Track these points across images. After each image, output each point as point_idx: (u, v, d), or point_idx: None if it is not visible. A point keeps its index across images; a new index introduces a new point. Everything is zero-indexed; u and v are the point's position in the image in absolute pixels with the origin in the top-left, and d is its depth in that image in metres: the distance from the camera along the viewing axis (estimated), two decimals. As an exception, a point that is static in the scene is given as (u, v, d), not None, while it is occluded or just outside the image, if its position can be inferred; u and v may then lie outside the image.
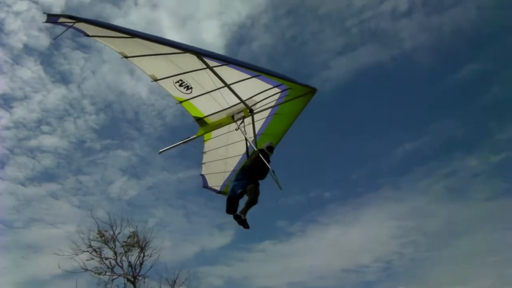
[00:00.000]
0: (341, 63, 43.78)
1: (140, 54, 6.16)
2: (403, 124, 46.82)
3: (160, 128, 42.39)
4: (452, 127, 44.16)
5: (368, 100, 45.22)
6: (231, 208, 7.67)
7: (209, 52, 6.10)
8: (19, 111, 36.35)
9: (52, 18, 5.06)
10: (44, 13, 5.01)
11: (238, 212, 7.36)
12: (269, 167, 7.24)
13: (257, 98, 7.85)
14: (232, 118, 8.00)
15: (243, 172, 7.87)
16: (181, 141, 8.17)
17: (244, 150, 8.88)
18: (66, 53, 37.85)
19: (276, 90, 7.75)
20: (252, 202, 7.39)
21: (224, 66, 6.59)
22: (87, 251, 18.21)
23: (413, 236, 40.13)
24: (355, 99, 45.32)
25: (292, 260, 38.49)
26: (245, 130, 8.00)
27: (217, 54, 6.28)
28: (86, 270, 17.77)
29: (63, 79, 39.31)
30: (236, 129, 8.08)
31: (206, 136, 8.74)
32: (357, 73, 43.47)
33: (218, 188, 10.52)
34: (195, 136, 8.13)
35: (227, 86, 7.08)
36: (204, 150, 9.39)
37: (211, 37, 39.52)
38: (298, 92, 7.71)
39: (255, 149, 7.87)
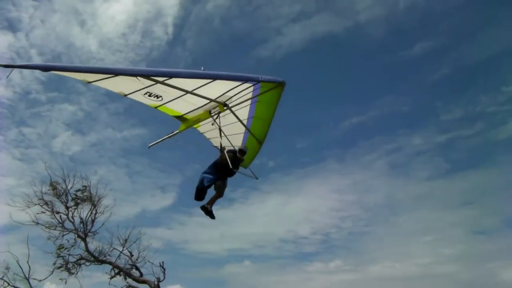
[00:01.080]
0: (295, 30, 41.97)
1: (98, 79, 6.59)
2: (351, 97, 45.04)
3: None
4: (399, 104, 42.70)
5: (319, 70, 43.55)
6: (198, 196, 8.51)
7: (144, 71, 6.32)
8: (-38, 58, 35.89)
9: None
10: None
11: (205, 203, 8.33)
12: (234, 170, 7.91)
13: (230, 93, 8.12)
14: (209, 113, 8.50)
15: (214, 167, 8.49)
16: (167, 136, 8.97)
17: (243, 129, 9.51)
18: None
19: (247, 84, 7.92)
20: (218, 196, 8.35)
21: (173, 78, 6.73)
22: (39, 204, 17.66)
23: (353, 210, 39.65)
24: (306, 67, 43.56)
25: (232, 226, 38.32)
26: (220, 125, 8.47)
27: (154, 71, 6.37)
28: (37, 223, 17.52)
29: (10, 26, 36.88)
30: (212, 124, 8.57)
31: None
32: (310, 42, 41.65)
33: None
34: (178, 131, 8.86)
35: (190, 93, 7.47)
36: (201, 132, 10.13)
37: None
38: (269, 85, 7.81)
39: (220, 148, 8.38)
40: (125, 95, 7.55)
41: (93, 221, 18.29)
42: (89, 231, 18.09)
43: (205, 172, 8.49)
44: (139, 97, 7.70)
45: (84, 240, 17.79)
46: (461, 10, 38.85)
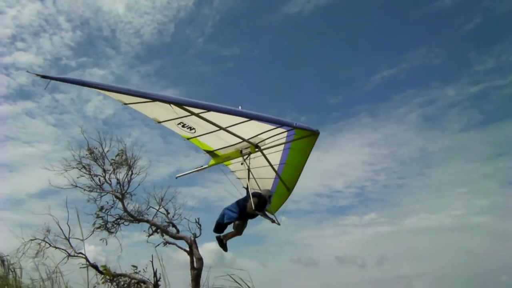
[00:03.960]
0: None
1: (134, 102, 6.73)
2: (382, 50, 44.65)
3: (137, 47, 42.02)
4: (431, 56, 41.57)
5: (349, 24, 43.43)
6: (217, 230, 8.54)
7: (181, 100, 6.10)
8: (-6, 28, 35.31)
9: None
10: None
11: (222, 235, 8.34)
12: (256, 213, 7.66)
13: (263, 136, 8.00)
14: (240, 153, 8.38)
15: (237, 206, 8.35)
16: (196, 169, 8.94)
17: (273, 174, 9.29)
18: (43, -33, 36.11)
19: (282, 129, 7.77)
20: (235, 234, 8.32)
21: (211, 112, 6.59)
22: (77, 167, 17.68)
23: (387, 164, 40.08)
24: (335, 21, 43.79)
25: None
26: (249, 166, 8.31)
27: (192, 102, 6.18)
28: (76, 186, 17.55)
29: (39, -6, 37.18)
30: (242, 163, 8.44)
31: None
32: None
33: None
34: (207, 166, 8.80)
35: (223, 129, 7.43)
36: (232, 170, 10.00)
37: None
38: (302, 133, 7.61)
39: (250, 194, 8.17)
40: (159, 122, 7.67)
41: (129, 182, 18.37)
42: (126, 192, 18.17)
43: (227, 208, 8.38)
44: (173, 126, 7.78)
45: (121, 200, 17.90)
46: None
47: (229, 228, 8.61)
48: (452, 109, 40.97)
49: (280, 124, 7.23)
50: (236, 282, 6.57)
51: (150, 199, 18.59)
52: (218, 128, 7.46)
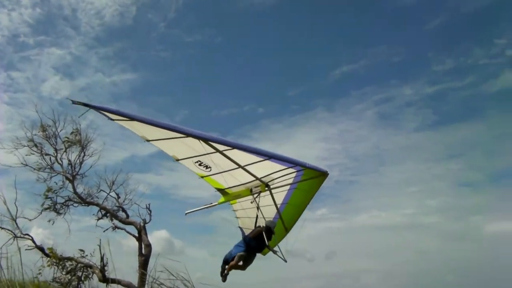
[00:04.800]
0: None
1: (157, 138, 7.12)
2: (343, 45, 45.63)
3: (98, 28, 41.63)
4: (392, 53, 43.38)
5: (311, 17, 44.27)
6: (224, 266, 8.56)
7: (211, 137, 6.61)
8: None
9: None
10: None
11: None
12: (268, 245, 7.88)
13: (274, 175, 8.46)
14: (250, 191, 8.76)
15: (244, 241, 8.57)
16: (205, 206, 9.19)
17: (274, 214, 9.62)
18: None
19: (292, 170, 8.30)
20: (238, 267, 8.35)
21: (235, 149, 7.07)
22: (28, 145, 17.44)
23: (340, 160, 40.85)
24: (298, 15, 44.34)
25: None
26: (259, 203, 8.67)
27: (220, 140, 6.74)
28: (26, 165, 17.27)
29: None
30: (252, 202, 8.79)
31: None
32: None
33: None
34: (217, 203, 9.10)
35: (241, 167, 7.82)
36: (234, 209, 10.28)
37: None
38: (311, 173, 8.17)
39: (260, 226, 8.46)
40: (177, 160, 7.98)
41: (81, 163, 18.10)
42: (77, 174, 17.85)
43: (235, 245, 8.54)
44: (190, 164, 8.11)
45: (72, 182, 17.53)
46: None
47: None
48: (408, 108, 42.19)
49: (293, 164, 7.77)
50: (172, 274, 6.48)
51: (101, 182, 18.48)
52: (235, 166, 7.85)
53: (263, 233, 8.24)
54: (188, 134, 6.40)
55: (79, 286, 16.29)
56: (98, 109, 5.91)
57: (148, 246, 15.67)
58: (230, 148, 6.99)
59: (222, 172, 8.25)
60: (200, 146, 7.06)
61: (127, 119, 6.21)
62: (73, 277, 16.40)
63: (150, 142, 7.35)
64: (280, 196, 9.30)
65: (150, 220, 17.44)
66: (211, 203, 9.19)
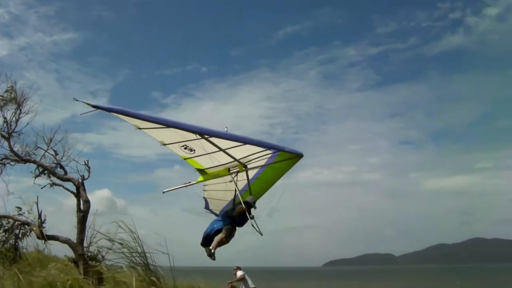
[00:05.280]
0: None
1: (150, 127, 7.37)
2: (287, 7, 46.63)
3: None
4: (336, 15, 45.36)
5: None
6: (205, 243, 9.07)
7: (209, 131, 7.44)
8: None
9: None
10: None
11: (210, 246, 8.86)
12: (249, 218, 8.66)
13: (251, 157, 9.15)
14: (228, 171, 9.38)
15: (226, 216, 9.23)
16: (183, 184, 9.64)
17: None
18: None
19: (268, 151, 9.02)
20: (223, 242, 8.86)
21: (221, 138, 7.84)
22: None
23: (283, 118, 43.24)
24: None
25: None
26: (237, 182, 9.34)
27: (216, 132, 7.61)
28: None
29: None
30: (230, 181, 9.44)
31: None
32: None
33: (217, 212, 12.02)
34: (195, 182, 9.60)
35: (223, 150, 8.39)
36: (206, 183, 10.85)
37: None
38: (287, 155, 9.00)
39: (242, 203, 9.12)
40: (164, 144, 8.23)
41: (17, 121, 16.93)
42: (13, 131, 16.73)
43: (215, 220, 9.21)
44: (175, 148, 8.43)
45: (8, 140, 16.47)
46: None
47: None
48: (351, 69, 44.26)
49: (272, 148, 8.52)
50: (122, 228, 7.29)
51: (39, 140, 17.41)
52: (217, 150, 8.40)
53: (246, 208, 8.89)
54: (190, 131, 7.13)
55: (16, 244, 15.43)
56: (108, 110, 6.36)
57: (87, 202, 15.18)
58: (213, 136, 7.68)
59: (204, 154, 8.70)
60: (189, 134, 7.57)
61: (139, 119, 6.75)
62: (11, 235, 15.54)
63: (141, 129, 7.53)
64: (252, 172, 10.04)
65: (89, 176, 16.60)
66: (189, 182, 9.63)
